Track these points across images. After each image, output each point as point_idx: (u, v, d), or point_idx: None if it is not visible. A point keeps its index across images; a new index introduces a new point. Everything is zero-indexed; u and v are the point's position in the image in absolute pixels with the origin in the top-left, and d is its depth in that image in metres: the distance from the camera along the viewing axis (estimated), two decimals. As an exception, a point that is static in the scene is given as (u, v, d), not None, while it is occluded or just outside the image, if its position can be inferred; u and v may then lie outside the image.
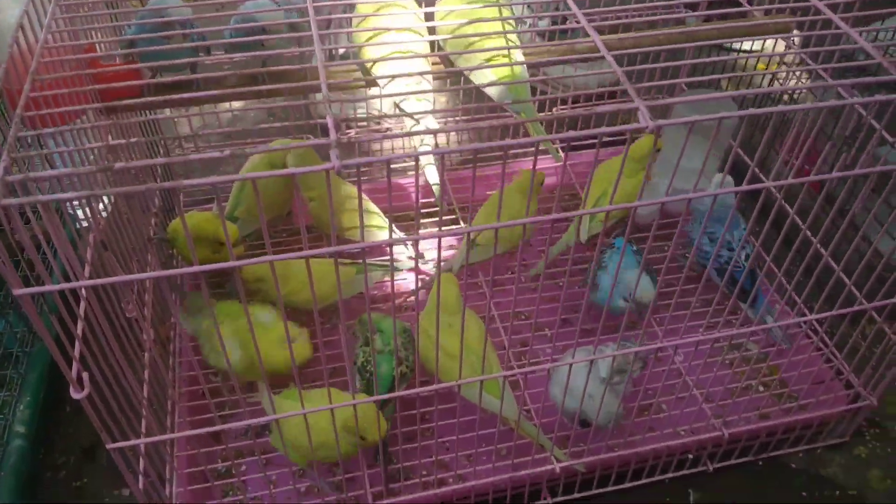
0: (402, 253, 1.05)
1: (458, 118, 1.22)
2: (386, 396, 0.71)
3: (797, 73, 1.12)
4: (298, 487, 0.88)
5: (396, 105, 0.79)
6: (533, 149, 0.55)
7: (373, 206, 1.06)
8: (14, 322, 1.02)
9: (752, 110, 0.55)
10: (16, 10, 0.89)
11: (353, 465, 0.86)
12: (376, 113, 1.26)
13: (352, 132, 1.25)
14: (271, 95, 0.95)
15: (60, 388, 1.03)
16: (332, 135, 0.48)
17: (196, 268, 0.49)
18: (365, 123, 1.27)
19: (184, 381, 0.94)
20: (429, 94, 0.83)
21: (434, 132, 0.64)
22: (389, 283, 1.05)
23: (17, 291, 0.48)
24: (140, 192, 0.44)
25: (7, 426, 0.89)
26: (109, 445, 0.63)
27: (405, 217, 1.20)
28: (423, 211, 1.19)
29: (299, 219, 1.14)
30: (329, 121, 0.50)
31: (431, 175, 0.87)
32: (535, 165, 0.58)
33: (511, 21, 0.83)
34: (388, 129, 1.26)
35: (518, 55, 0.81)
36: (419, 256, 1.08)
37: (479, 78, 0.80)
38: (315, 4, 0.68)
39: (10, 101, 0.83)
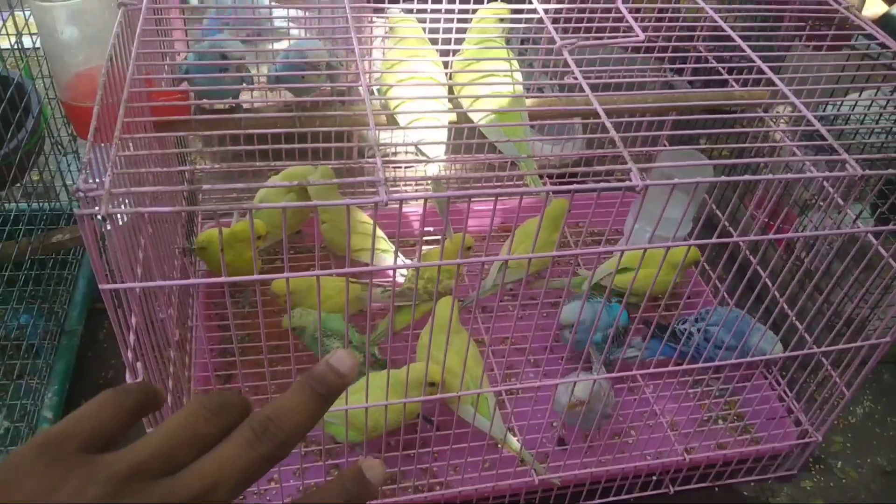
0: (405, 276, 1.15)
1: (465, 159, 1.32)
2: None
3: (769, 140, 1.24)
4: (297, 485, 0.96)
5: (416, 147, 0.90)
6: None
7: (380, 232, 1.15)
8: (36, 317, 1.10)
9: (723, 178, 0.66)
10: (68, 27, 0.98)
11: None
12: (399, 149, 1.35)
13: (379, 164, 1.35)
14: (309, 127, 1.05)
15: (79, 382, 1.11)
16: (381, 173, 0.58)
17: (223, 279, 0.58)
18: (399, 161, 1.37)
19: (197, 380, 1.02)
20: (443, 136, 0.93)
21: (440, 173, 0.75)
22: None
23: (104, 286, 0.57)
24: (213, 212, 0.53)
25: (36, 412, 0.97)
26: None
27: (406, 243, 1.30)
28: (425, 238, 1.29)
29: (312, 238, 1.23)
30: (378, 161, 0.59)
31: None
32: (543, 211, 0.68)
33: (518, 76, 0.94)
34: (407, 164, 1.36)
35: (523, 112, 0.92)
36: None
37: (490, 133, 0.91)
38: (360, 47, 0.78)
39: (69, 114, 0.92)
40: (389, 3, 1.00)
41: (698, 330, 0.99)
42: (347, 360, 0.30)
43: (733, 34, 0.81)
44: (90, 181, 0.54)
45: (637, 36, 0.76)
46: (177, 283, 0.57)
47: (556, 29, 0.78)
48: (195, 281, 0.69)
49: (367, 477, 0.29)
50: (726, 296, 1.07)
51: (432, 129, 0.90)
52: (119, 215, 0.85)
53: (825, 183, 0.99)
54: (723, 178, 0.65)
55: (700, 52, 0.85)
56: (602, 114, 0.72)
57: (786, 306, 0.89)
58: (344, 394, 0.88)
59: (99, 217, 0.52)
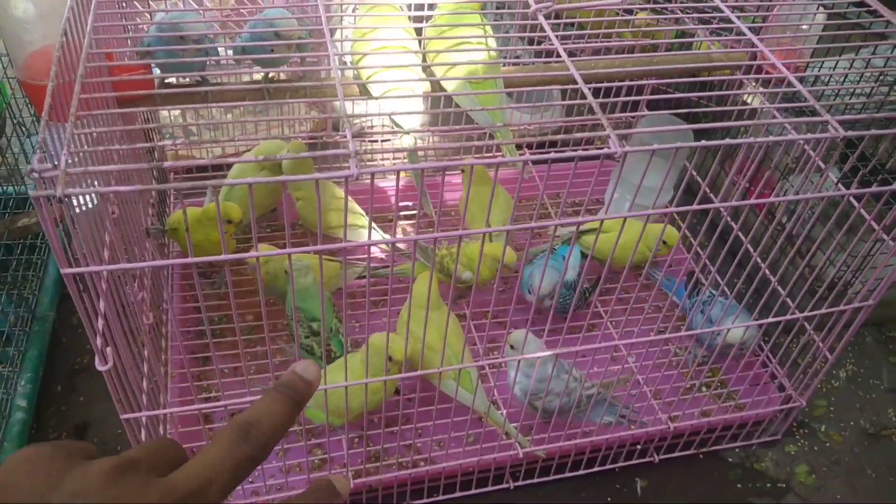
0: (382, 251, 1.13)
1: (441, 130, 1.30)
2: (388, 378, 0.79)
3: (750, 101, 1.22)
4: (279, 466, 0.95)
5: (390, 118, 0.87)
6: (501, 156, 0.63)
7: (357, 207, 1.13)
8: (5, 304, 1.07)
9: (703, 143, 0.64)
10: (22, 3, 0.94)
11: (336, 446, 0.94)
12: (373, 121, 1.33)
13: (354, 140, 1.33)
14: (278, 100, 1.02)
15: (52, 369, 1.08)
16: (351, 146, 0.56)
17: (191, 259, 0.56)
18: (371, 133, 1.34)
19: (174, 363, 1.00)
20: (418, 106, 0.91)
21: (415, 146, 0.72)
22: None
23: (65, 270, 0.55)
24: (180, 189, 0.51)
25: (10, 400, 0.94)
26: (124, 416, 0.69)
27: (384, 218, 1.28)
28: (401, 213, 1.27)
29: (284, 216, 1.21)
30: (347, 133, 0.57)
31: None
32: (519, 183, 0.66)
33: (493, 42, 0.92)
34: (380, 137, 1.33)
35: (498, 79, 0.90)
36: (395, 252, 1.16)
37: (465, 102, 0.89)
38: (327, 14, 0.75)
39: (28, 93, 0.89)
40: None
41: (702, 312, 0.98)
42: (312, 369, 0.33)
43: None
44: (46, 162, 0.51)
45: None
46: (142, 265, 0.55)
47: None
48: (162, 263, 0.67)
49: (336, 487, 0.32)
50: (708, 263, 1.06)
51: (406, 98, 0.87)
52: (85, 197, 0.82)
53: (806, 146, 0.98)
54: (702, 142, 0.64)
55: (678, 13, 0.83)
56: (580, 80, 0.70)
57: (768, 272, 0.88)
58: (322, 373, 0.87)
59: (56, 199, 0.50)
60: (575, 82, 0.68)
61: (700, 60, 0.94)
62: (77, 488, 0.26)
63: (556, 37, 0.73)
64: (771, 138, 0.64)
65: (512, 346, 0.89)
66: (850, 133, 0.61)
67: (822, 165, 0.89)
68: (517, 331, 0.90)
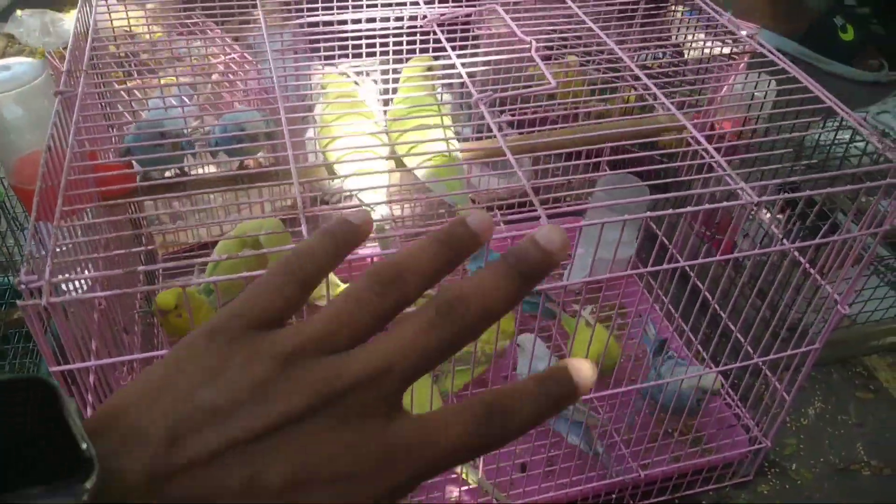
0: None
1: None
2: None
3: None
4: None
5: (357, 197, 0.94)
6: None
7: (335, 278, 1.19)
8: None
9: (649, 214, 0.70)
10: (13, 109, 1.02)
11: None
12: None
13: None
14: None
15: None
16: (300, 202, 0.62)
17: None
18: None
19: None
20: (382, 185, 0.97)
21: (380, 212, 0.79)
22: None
23: (54, 369, 0.60)
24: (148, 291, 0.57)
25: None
26: None
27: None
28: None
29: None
30: (298, 198, 0.63)
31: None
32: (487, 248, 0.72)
33: (449, 122, 0.99)
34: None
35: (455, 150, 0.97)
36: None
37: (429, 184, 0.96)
38: (288, 116, 0.82)
39: (18, 196, 0.96)
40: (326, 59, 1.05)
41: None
42: (556, 236, 0.26)
43: (629, 61, 0.86)
44: (32, 273, 0.57)
45: (550, 84, 0.81)
46: (129, 358, 0.60)
47: (475, 83, 0.82)
48: (148, 355, 0.73)
49: (573, 378, 0.26)
50: (671, 308, 1.11)
51: (371, 175, 0.94)
52: (74, 290, 0.88)
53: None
54: (649, 214, 0.70)
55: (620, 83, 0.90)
56: (509, 154, 0.77)
57: (723, 314, 0.93)
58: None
59: (42, 307, 0.55)
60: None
61: (647, 125, 1.01)
62: (240, 369, 0.25)
63: (504, 113, 0.80)
64: (691, 208, 0.70)
65: (519, 345, 0.96)
66: (762, 199, 0.67)
67: (765, 221, 0.95)
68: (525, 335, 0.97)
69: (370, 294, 0.26)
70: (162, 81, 1.10)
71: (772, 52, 0.90)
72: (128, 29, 1.00)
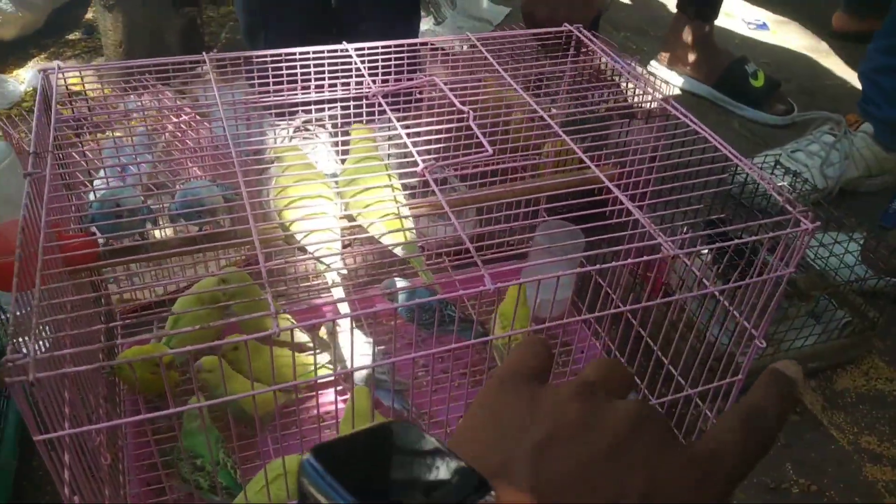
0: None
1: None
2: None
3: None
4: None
5: (314, 256, 1.00)
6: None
7: (302, 335, 1.24)
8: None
9: (577, 270, 0.78)
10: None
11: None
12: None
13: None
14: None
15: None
16: (272, 306, 0.68)
17: (141, 417, 0.67)
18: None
19: (132, 497, 1.08)
20: (337, 245, 1.04)
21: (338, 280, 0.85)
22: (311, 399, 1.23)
23: (38, 438, 0.65)
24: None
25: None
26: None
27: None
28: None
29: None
30: (261, 259, 0.69)
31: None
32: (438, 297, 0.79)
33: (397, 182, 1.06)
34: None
35: (404, 211, 1.04)
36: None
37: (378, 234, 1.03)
38: (248, 189, 0.88)
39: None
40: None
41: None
42: (791, 368, 0.35)
43: (553, 124, 0.95)
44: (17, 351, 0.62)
45: (487, 151, 0.89)
46: (104, 426, 0.65)
47: (420, 152, 0.90)
48: (117, 422, 0.78)
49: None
50: (608, 341, 1.20)
51: (327, 242, 1.00)
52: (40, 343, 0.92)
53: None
54: (578, 270, 0.78)
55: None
56: (448, 209, 0.84)
57: (655, 348, 1.02)
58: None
59: (29, 383, 0.60)
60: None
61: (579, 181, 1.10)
62: (549, 409, 0.31)
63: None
64: (613, 264, 0.78)
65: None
66: (678, 251, 0.76)
67: (688, 263, 1.04)
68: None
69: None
70: (117, 134, 1.15)
71: (683, 115, 1.00)
72: (84, 94, 1.05)
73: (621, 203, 0.90)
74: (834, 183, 1.73)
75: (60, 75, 0.98)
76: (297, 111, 1.10)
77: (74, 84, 1.08)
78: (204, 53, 1.05)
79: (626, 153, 1.09)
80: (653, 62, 2.29)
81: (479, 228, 1.47)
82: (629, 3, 2.82)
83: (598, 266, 0.83)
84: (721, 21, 2.28)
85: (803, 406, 1.36)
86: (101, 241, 0.97)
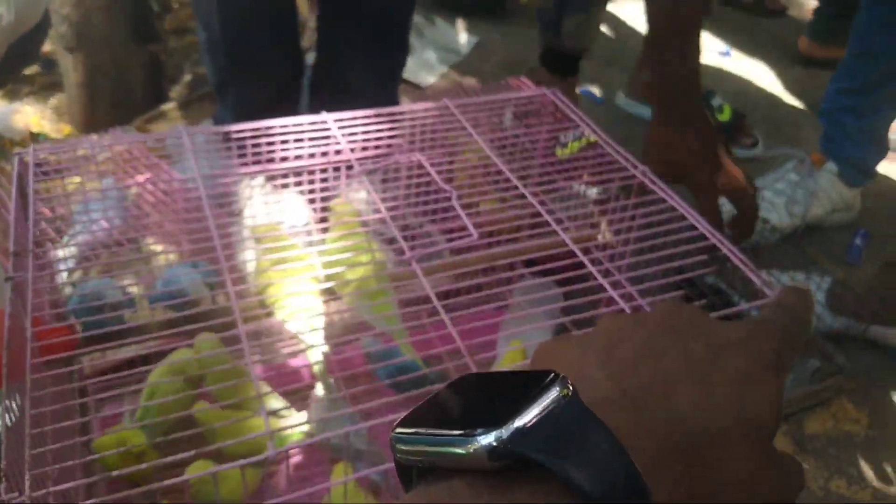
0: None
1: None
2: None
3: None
4: None
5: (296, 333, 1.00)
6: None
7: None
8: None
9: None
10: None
11: None
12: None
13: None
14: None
15: None
16: (267, 426, 0.68)
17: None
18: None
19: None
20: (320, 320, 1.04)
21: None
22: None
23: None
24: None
25: None
26: None
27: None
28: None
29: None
30: (263, 412, 0.69)
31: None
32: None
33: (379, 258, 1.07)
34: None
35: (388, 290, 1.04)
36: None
37: (362, 311, 1.03)
38: (231, 273, 0.88)
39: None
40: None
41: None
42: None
43: (521, 186, 0.96)
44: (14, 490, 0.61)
45: (471, 236, 0.90)
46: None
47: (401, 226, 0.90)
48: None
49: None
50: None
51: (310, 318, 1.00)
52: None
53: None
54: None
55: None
56: (423, 280, 0.85)
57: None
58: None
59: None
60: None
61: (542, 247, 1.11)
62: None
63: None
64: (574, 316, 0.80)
65: None
66: (632, 303, 0.78)
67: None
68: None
69: None
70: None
71: (660, 188, 1.02)
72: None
73: (596, 264, 0.92)
74: (800, 221, 1.77)
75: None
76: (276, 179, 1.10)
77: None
78: (182, 128, 1.04)
79: (602, 222, 1.11)
80: (619, 93, 2.32)
81: (455, 284, 1.48)
82: (609, 34, 2.84)
83: (572, 317, 0.85)
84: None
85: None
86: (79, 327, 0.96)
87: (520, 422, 0.26)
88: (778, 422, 0.33)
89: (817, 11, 2.55)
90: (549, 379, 0.28)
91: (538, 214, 1.06)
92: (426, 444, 0.29)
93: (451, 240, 0.93)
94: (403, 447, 0.30)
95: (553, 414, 0.27)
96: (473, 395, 0.31)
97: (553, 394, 0.27)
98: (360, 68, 1.74)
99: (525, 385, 0.28)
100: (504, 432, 0.26)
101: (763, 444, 0.31)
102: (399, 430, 0.30)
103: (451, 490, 0.27)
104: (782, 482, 0.32)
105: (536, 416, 0.27)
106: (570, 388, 0.28)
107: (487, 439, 0.26)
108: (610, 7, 2.94)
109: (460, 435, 0.27)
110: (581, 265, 1.18)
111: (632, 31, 2.82)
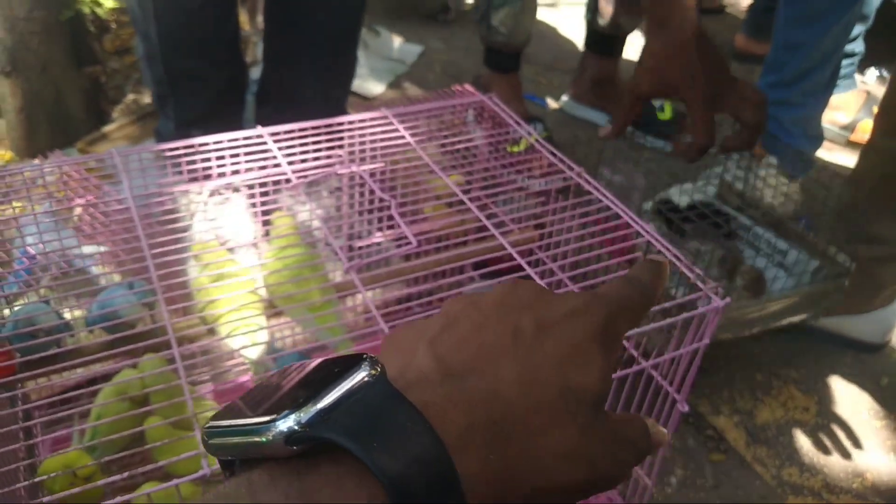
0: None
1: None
2: None
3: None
4: None
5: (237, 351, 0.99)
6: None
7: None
8: None
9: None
10: None
11: None
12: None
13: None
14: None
15: None
16: (200, 444, 0.67)
17: None
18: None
19: None
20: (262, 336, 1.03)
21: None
22: None
23: None
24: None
25: None
26: None
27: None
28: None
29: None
30: (197, 434, 0.68)
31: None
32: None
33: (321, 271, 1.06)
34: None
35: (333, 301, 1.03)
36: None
37: (304, 324, 1.02)
38: (172, 291, 0.87)
39: None
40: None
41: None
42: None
43: (465, 197, 0.96)
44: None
45: (411, 244, 0.90)
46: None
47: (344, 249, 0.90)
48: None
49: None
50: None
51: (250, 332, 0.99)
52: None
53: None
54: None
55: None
56: (361, 288, 0.85)
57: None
58: None
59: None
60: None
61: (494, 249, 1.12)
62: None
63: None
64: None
65: None
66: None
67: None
68: None
69: None
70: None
71: (596, 189, 1.03)
72: None
73: (540, 265, 0.93)
74: (745, 214, 1.81)
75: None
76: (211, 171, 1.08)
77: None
78: (113, 150, 1.03)
79: (545, 224, 1.12)
80: (563, 97, 2.34)
81: (404, 290, 1.48)
82: (550, 40, 2.88)
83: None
84: (627, 53, 2.36)
85: (727, 444, 1.42)
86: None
87: (321, 404, 0.26)
88: (606, 388, 0.33)
89: (752, 7, 2.61)
90: (356, 361, 0.28)
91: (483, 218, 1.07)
92: (234, 434, 0.28)
93: (399, 247, 0.93)
94: (214, 441, 0.29)
95: (357, 395, 0.27)
96: (290, 382, 0.30)
97: (360, 375, 0.27)
98: (308, 81, 1.73)
99: (336, 369, 0.28)
100: (303, 416, 0.26)
101: (590, 414, 0.32)
102: (210, 423, 0.29)
103: (250, 482, 0.26)
104: (612, 452, 0.32)
105: (338, 397, 0.27)
106: (378, 368, 0.28)
107: (287, 423, 0.26)
108: (548, 14, 2.99)
109: (263, 423, 0.26)
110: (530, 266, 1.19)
111: (570, 38, 2.86)
